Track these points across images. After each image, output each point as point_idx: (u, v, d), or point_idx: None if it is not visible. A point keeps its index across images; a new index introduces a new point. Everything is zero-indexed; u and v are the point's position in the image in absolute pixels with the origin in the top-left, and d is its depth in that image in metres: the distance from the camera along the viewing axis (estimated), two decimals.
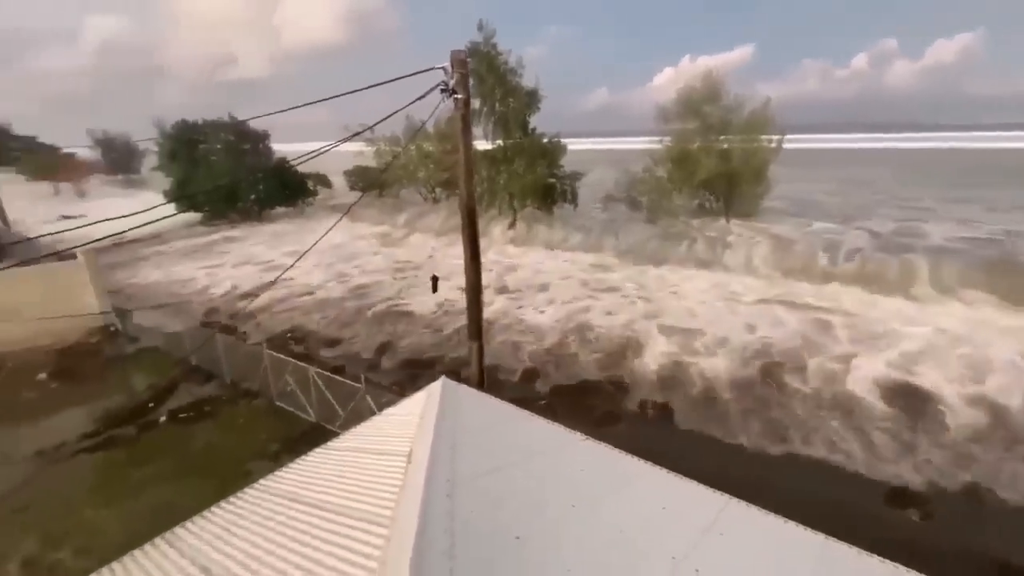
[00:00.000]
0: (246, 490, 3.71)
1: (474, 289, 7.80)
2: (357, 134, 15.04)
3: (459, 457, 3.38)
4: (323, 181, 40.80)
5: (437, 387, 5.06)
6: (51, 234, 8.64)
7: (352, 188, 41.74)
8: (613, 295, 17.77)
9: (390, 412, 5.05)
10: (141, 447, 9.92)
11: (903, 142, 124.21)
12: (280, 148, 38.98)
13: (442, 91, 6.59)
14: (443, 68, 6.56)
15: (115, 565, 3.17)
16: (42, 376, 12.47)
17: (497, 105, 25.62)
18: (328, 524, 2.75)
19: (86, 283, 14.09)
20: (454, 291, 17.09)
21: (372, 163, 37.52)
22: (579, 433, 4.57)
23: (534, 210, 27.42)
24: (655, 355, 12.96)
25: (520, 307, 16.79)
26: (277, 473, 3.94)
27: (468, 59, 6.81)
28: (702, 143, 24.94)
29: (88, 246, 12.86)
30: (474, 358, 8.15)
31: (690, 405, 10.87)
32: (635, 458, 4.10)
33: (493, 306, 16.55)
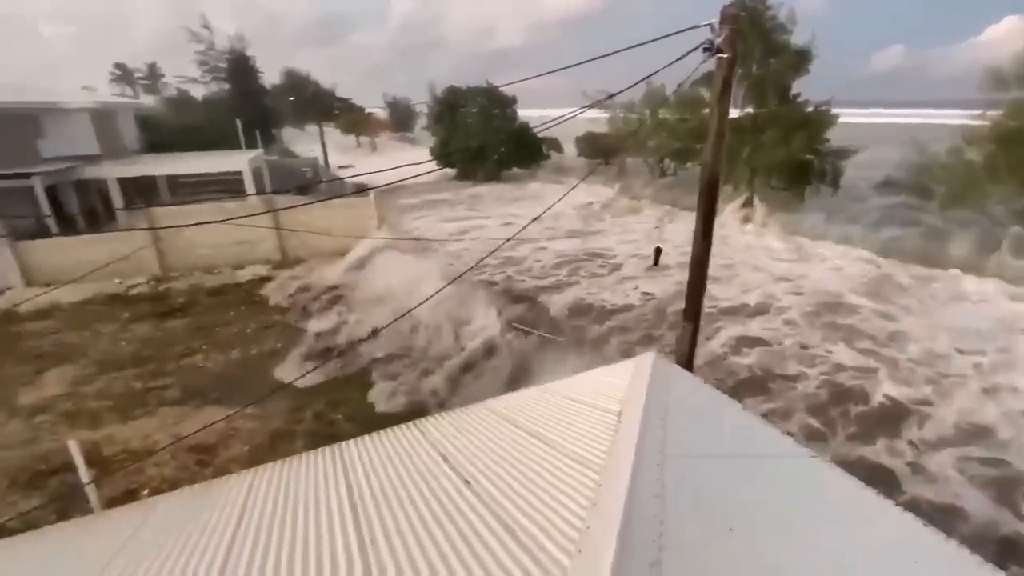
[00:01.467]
0: (474, 405, 4.31)
1: (699, 267, 7.35)
2: (602, 101, 15.19)
3: (669, 431, 3.28)
4: (555, 146, 42.72)
5: (647, 359, 4.94)
6: (353, 176, 11.28)
7: (580, 154, 42.77)
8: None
9: (598, 372, 5.17)
10: None
11: None
12: (523, 113, 41.98)
13: (704, 50, 6.13)
14: (709, 25, 6.07)
15: (380, 433, 4.07)
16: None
17: (755, 67, 22.74)
18: (542, 453, 3.01)
19: (373, 216, 18.08)
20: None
21: (605, 130, 37.62)
22: (808, 448, 3.98)
23: (778, 191, 24.00)
24: None
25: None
26: (499, 398, 4.47)
27: (741, 14, 6.14)
28: None
29: (374, 189, 16.31)
30: (686, 340, 7.77)
31: None
32: (884, 498, 3.39)
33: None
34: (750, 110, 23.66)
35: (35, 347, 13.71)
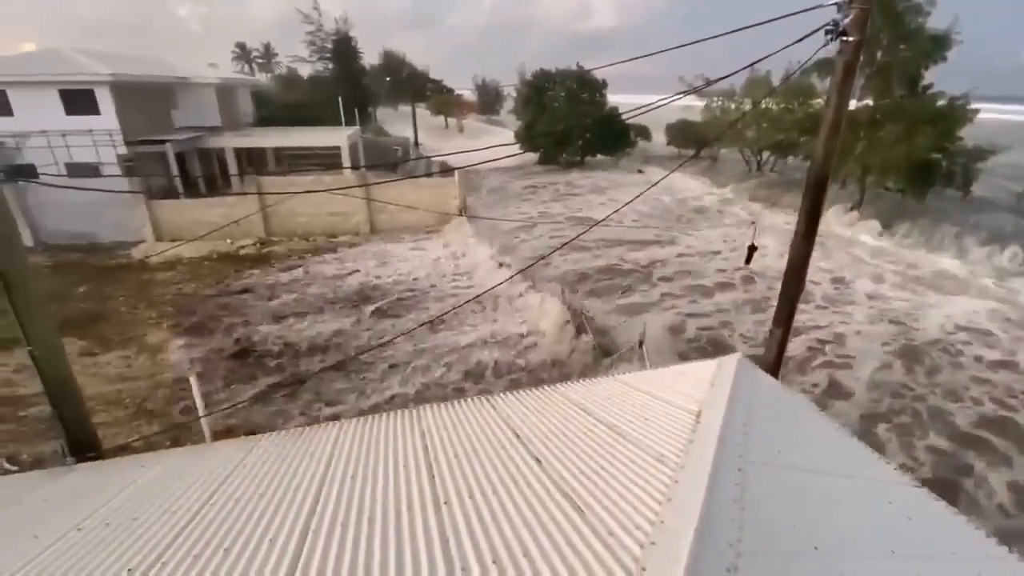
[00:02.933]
0: (546, 388, 4.35)
1: (797, 270, 6.88)
2: (701, 87, 14.42)
3: (752, 437, 3.12)
4: (643, 134, 41.20)
5: (731, 361, 4.70)
6: (440, 155, 11.66)
7: (670, 143, 40.97)
8: None
9: (677, 369, 5.01)
10: None
11: None
12: (613, 99, 40.76)
13: (827, 32, 5.61)
14: (836, 4, 5.54)
15: (455, 403, 4.23)
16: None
17: (879, 54, 20.44)
18: (615, 443, 2.98)
19: (455, 195, 18.61)
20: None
21: (700, 118, 35.67)
22: (910, 477, 3.62)
23: (894, 193, 21.60)
24: None
25: None
26: (571, 384, 4.46)
27: None
28: None
29: (459, 169, 16.70)
30: (774, 346, 7.32)
31: None
32: (999, 543, 3.01)
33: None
34: (868, 102, 21.36)
35: (161, 294, 15.62)
